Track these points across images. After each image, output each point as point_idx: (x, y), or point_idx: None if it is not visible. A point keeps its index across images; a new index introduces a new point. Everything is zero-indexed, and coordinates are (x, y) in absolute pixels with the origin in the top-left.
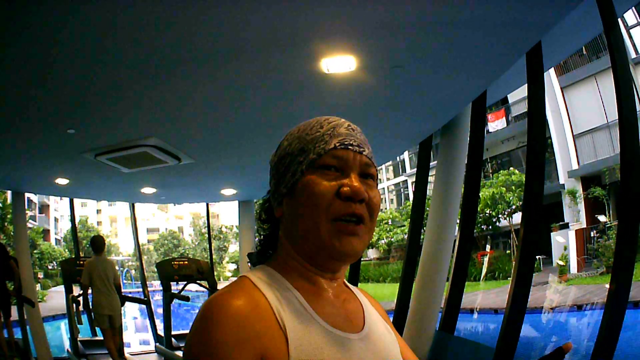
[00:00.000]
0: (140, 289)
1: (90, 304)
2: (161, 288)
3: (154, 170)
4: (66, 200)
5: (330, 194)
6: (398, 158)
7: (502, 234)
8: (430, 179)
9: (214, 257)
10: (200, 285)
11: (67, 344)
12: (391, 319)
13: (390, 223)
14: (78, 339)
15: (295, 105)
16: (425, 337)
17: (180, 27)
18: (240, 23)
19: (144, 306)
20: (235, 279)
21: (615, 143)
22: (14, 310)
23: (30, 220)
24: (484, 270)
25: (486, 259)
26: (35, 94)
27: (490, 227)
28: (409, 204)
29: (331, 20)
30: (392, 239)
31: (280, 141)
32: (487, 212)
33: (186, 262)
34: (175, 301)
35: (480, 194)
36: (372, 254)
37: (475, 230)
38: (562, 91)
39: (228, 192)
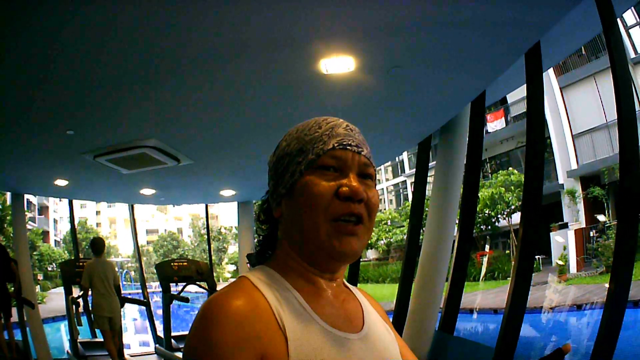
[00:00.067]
0: (140, 290)
1: (90, 305)
2: (160, 289)
3: (153, 171)
4: (65, 201)
5: (329, 194)
6: (397, 158)
7: (501, 234)
8: (430, 179)
9: (213, 258)
10: (200, 286)
11: (67, 346)
12: (391, 319)
13: (389, 223)
14: (78, 340)
15: (294, 106)
16: (425, 337)
17: (179, 28)
18: (239, 24)
19: (143, 307)
20: (234, 279)
21: (614, 143)
22: (13, 312)
23: (29, 222)
24: (484, 270)
25: (485, 259)
26: (34, 95)
27: (489, 227)
28: (408, 205)
29: (330, 21)
30: (391, 240)
31: (278, 142)
32: (487, 212)
33: (185, 264)
34: (175, 302)
35: (479, 194)
36: (371, 254)
37: (474, 231)
38: (561, 91)
39: (227, 193)
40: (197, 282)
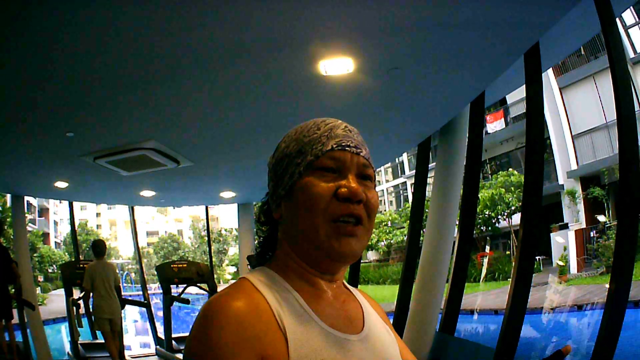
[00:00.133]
0: (140, 292)
1: (91, 307)
2: (161, 291)
3: (153, 173)
4: (65, 203)
5: (328, 195)
6: (397, 160)
7: (501, 235)
8: (430, 180)
9: (213, 259)
10: (200, 287)
11: (67, 347)
12: (391, 320)
13: (389, 225)
14: (78, 342)
15: (293, 107)
16: (426, 338)
17: (178, 30)
18: (238, 26)
19: (144, 309)
20: (235, 281)
21: (614, 143)
22: (14, 314)
23: (29, 224)
24: (484, 271)
25: (486, 260)
26: (34, 97)
27: (489, 228)
28: (408, 206)
29: (329, 22)
30: (391, 241)
31: (278, 143)
32: (487, 213)
33: (186, 265)
34: (175, 304)
35: (479, 195)
36: (371, 255)
37: (474, 232)
38: (560, 92)
39: (227, 194)
40: (198, 284)
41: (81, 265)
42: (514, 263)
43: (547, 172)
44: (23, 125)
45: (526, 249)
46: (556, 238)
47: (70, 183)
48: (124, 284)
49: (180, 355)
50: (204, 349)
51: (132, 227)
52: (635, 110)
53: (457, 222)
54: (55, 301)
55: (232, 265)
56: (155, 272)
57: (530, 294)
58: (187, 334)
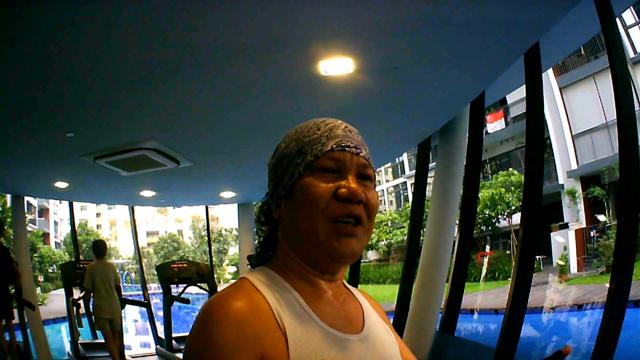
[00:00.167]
0: (140, 292)
1: (91, 307)
2: (161, 291)
3: (153, 173)
4: (66, 203)
5: (327, 195)
6: (397, 160)
7: (501, 235)
8: (430, 180)
9: (213, 259)
10: (200, 287)
11: (67, 347)
12: (391, 320)
13: (389, 224)
14: (79, 341)
15: (293, 107)
16: (426, 337)
17: (178, 30)
18: (238, 26)
19: (144, 309)
20: (235, 281)
21: (614, 143)
22: (14, 314)
23: (30, 224)
24: (484, 271)
25: (486, 260)
26: (34, 97)
27: (489, 227)
28: (409, 206)
29: (329, 22)
30: (391, 241)
31: (278, 143)
32: (487, 212)
33: (186, 265)
34: (176, 304)
35: (479, 195)
36: (372, 255)
37: (474, 231)
38: (560, 91)
39: (227, 194)
40: (198, 284)
41: (81, 265)
42: (514, 262)
43: (547, 171)
44: (23, 125)
45: (526, 248)
46: (556, 238)
47: (70, 183)
48: (124, 284)
49: (180, 355)
50: (204, 349)
51: (132, 227)
52: (635, 110)
53: (457, 222)
54: (55, 301)
55: (232, 265)
56: (156, 272)
57: (531, 294)
58: (187, 333)
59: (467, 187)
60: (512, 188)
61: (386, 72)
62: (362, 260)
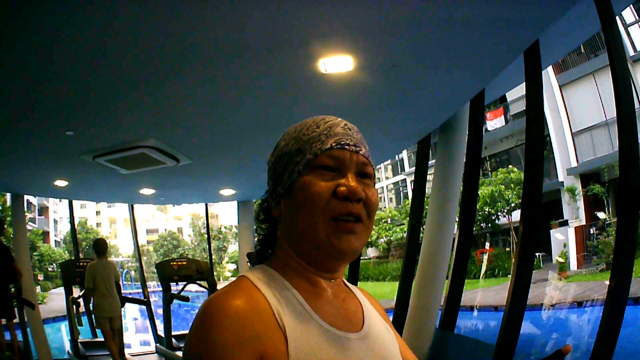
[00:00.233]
0: (140, 290)
1: (91, 306)
2: (161, 289)
3: (152, 171)
4: (65, 202)
5: (327, 194)
6: (397, 157)
7: (501, 232)
8: (429, 177)
9: (213, 257)
10: (200, 285)
11: (67, 346)
12: (391, 317)
13: (389, 222)
14: (78, 340)
15: (293, 105)
16: (425, 335)
17: (177, 29)
18: (237, 24)
19: (144, 307)
20: (234, 279)
21: (614, 140)
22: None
23: (29, 223)
24: (484, 268)
25: (486, 257)
26: (33, 96)
27: (489, 225)
28: (408, 203)
29: (329, 20)
30: (391, 238)
31: (277, 141)
32: (486, 210)
33: (185, 263)
34: (175, 302)
35: (479, 192)
36: (371, 252)
37: (474, 228)
38: (560, 89)
39: (227, 192)
40: (198, 281)
41: (81, 264)
42: (513, 260)
43: (547, 169)
44: (23, 124)
45: (526, 245)
46: (556, 235)
47: (69, 182)
48: (124, 282)
49: (180, 353)
50: (203, 348)
51: (131, 225)
52: (635, 108)
53: (457, 219)
54: (55, 300)
55: (232, 263)
56: (155, 270)
57: (530, 291)
58: (187, 331)
59: (467, 184)
60: (512, 185)
61: (386, 69)
62: (361, 258)
